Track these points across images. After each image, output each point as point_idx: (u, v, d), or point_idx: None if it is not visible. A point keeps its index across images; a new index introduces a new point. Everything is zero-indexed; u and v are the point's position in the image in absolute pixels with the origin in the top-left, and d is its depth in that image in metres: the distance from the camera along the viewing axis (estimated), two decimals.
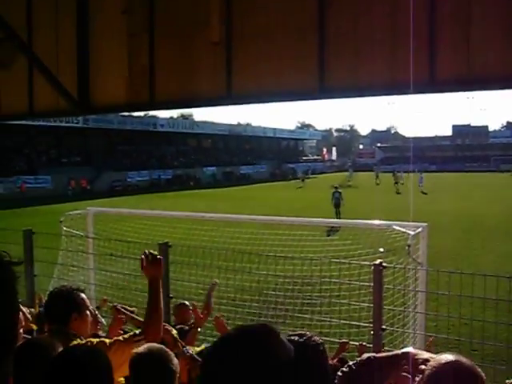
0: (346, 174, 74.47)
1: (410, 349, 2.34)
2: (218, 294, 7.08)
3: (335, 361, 5.26)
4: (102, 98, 6.84)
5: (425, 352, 2.26)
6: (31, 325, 4.67)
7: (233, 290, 8.21)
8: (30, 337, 3.85)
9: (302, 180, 65.11)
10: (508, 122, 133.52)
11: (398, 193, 47.72)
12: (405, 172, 60.06)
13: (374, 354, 2.35)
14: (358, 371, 2.26)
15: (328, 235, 15.18)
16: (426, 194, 45.63)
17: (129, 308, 5.11)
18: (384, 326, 6.04)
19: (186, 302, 6.34)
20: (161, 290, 3.29)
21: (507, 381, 3.45)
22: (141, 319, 5.30)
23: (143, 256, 3.24)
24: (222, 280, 7.43)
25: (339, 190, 30.33)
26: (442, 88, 4.90)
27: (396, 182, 51.29)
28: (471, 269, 10.03)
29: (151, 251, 3.27)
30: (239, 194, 50.13)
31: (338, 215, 28.29)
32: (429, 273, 7.50)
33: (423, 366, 2.06)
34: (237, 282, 7.95)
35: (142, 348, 2.82)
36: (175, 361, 2.84)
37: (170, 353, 2.86)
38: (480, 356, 6.19)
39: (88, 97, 6.78)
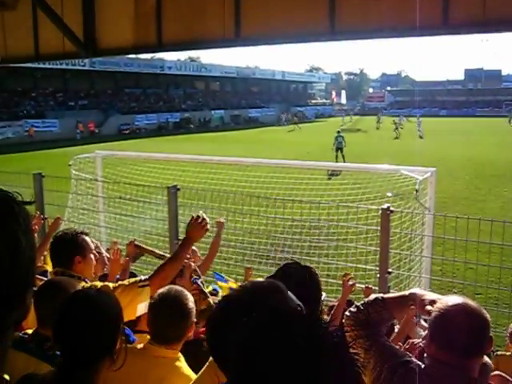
0: (343, 118, 74.16)
1: (416, 290, 2.38)
2: (227, 236, 7.15)
3: None
4: (108, 40, 6.74)
5: (431, 293, 2.30)
6: (44, 265, 4.77)
7: (241, 233, 8.28)
8: (43, 277, 3.94)
9: (296, 123, 63.34)
10: None
11: (396, 138, 47.49)
12: (409, 116, 59.51)
13: (381, 295, 2.39)
14: (366, 311, 2.31)
15: (329, 179, 15.19)
16: (422, 138, 45.65)
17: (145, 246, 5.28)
18: (390, 269, 6.11)
19: (193, 248, 6.42)
20: (188, 252, 3.44)
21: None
22: (160, 252, 5.45)
23: (195, 215, 3.29)
24: (230, 223, 7.49)
25: (341, 134, 31.11)
26: (455, 30, 4.79)
27: (396, 128, 50.94)
28: (478, 214, 10.06)
29: (204, 216, 3.32)
30: (247, 137, 49.89)
31: (343, 159, 28.95)
32: (436, 217, 7.53)
33: (430, 307, 2.10)
34: (245, 224, 8.01)
35: (162, 289, 2.92)
36: (191, 303, 2.92)
37: (189, 296, 2.94)
38: (484, 299, 6.30)
39: (94, 39, 6.68)
